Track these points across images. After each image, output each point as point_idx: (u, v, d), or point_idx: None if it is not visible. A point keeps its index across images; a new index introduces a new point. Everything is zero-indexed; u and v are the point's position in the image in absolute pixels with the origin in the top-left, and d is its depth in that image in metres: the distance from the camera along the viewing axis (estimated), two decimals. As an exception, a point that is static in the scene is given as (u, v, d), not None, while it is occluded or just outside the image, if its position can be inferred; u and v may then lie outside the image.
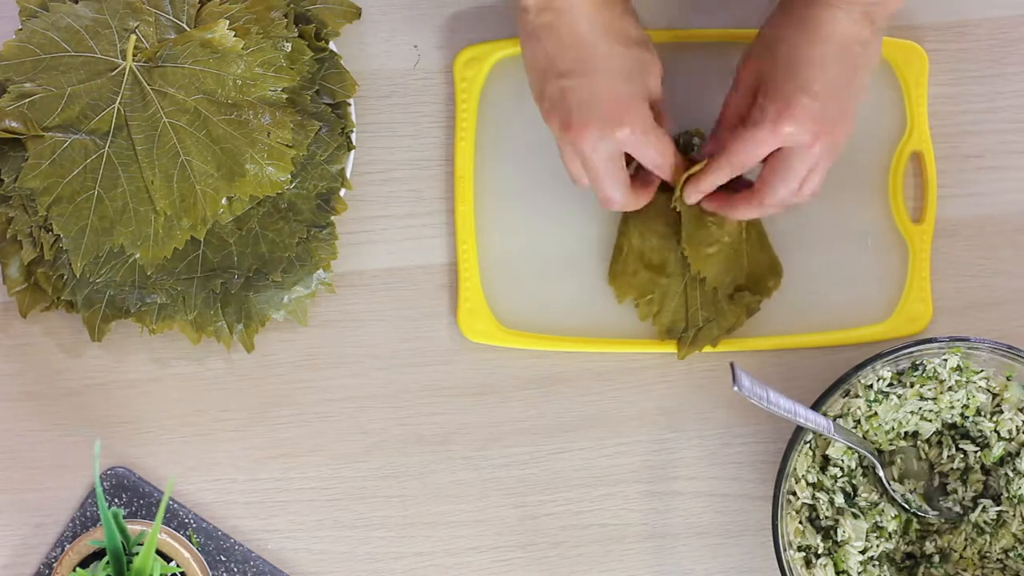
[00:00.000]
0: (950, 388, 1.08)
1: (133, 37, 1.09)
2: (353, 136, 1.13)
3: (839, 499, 1.08)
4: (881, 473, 1.08)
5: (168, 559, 1.06)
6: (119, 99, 1.09)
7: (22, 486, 1.12)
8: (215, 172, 1.08)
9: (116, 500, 1.11)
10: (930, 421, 1.09)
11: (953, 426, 1.10)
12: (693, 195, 1.08)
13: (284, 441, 1.13)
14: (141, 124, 1.08)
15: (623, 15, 1.04)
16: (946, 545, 1.09)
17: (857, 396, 1.08)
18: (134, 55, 1.09)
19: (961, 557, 1.09)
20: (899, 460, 1.11)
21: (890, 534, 1.08)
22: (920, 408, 1.09)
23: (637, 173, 1.09)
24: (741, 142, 1.03)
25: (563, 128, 1.03)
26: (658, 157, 1.05)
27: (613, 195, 1.05)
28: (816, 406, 1.07)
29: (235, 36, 1.08)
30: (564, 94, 1.02)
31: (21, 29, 1.10)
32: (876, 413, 1.08)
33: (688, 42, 1.16)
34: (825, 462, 1.09)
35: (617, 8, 1.04)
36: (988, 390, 1.09)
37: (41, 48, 1.09)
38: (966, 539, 1.09)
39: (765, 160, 1.04)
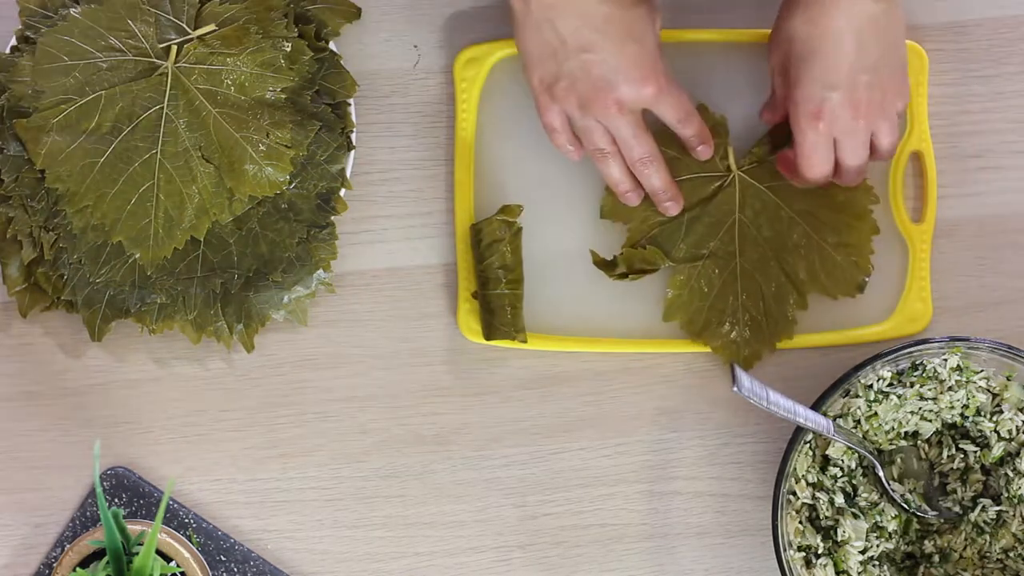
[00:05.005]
0: (950, 388, 1.08)
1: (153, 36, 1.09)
2: (353, 136, 1.13)
3: (839, 499, 1.08)
4: (881, 473, 1.08)
5: (168, 559, 1.06)
6: (119, 98, 1.08)
7: (22, 486, 1.12)
8: (215, 172, 1.08)
9: (116, 500, 1.11)
10: (930, 421, 1.09)
11: (953, 426, 1.10)
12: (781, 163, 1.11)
13: (284, 441, 1.13)
14: (141, 124, 1.08)
15: None
16: (946, 545, 1.09)
17: (857, 396, 1.08)
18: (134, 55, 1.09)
19: (961, 557, 1.09)
20: (899, 460, 1.10)
21: (890, 534, 1.08)
22: (920, 408, 1.09)
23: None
24: (805, 147, 1.06)
25: (589, 101, 1.05)
26: (682, 109, 1.08)
27: (650, 153, 1.08)
28: (816, 406, 1.07)
29: (235, 36, 1.08)
30: (587, 67, 1.04)
31: (22, 29, 1.10)
32: (876, 413, 1.08)
33: (689, 42, 1.16)
34: (825, 462, 1.09)
35: None
36: (988, 390, 1.09)
37: (43, 52, 1.09)
38: (966, 539, 1.09)
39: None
